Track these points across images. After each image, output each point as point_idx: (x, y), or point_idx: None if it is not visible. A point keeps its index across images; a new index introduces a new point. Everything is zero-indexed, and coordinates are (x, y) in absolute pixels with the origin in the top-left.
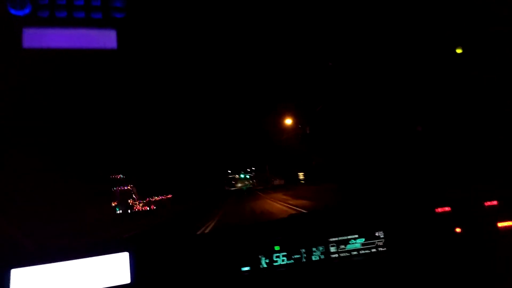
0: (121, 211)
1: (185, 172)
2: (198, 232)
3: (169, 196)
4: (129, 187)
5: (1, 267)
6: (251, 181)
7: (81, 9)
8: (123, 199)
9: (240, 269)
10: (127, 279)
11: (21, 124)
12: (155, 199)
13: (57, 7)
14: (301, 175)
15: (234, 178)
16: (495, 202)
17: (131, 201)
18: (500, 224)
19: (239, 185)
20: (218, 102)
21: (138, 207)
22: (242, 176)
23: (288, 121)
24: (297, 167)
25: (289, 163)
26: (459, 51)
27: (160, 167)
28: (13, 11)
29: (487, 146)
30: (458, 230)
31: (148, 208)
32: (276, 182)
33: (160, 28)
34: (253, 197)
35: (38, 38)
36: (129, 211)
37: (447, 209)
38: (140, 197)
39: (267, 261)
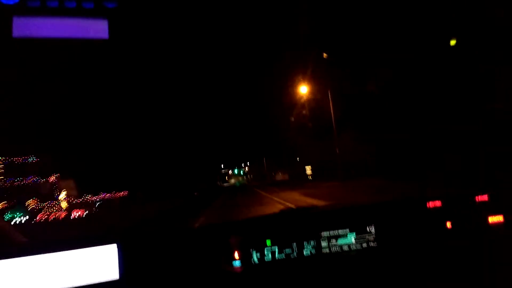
0: (22, 220)
1: (167, 164)
2: (189, 226)
3: (122, 194)
4: (50, 179)
5: None
6: (245, 177)
7: None
8: (20, 199)
9: (232, 263)
10: (115, 271)
11: None
12: (89, 200)
13: None
14: (308, 170)
15: (227, 174)
16: (485, 197)
17: (34, 202)
18: (491, 219)
19: (233, 181)
20: (208, 79)
21: (47, 214)
22: (236, 171)
23: (303, 90)
24: (304, 159)
25: (294, 154)
26: (452, 42)
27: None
28: (3, 0)
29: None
30: (448, 224)
31: (64, 215)
32: (279, 177)
33: (151, 18)
34: (252, 196)
35: (28, 27)
36: (32, 220)
37: (438, 203)
38: (79, 195)
39: (259, 255)
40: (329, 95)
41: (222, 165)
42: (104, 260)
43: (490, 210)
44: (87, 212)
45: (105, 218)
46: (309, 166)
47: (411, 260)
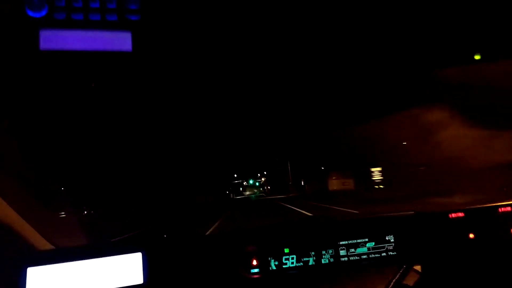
0: None
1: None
2: (207, 233)
3: None
4: None
5: (18, 265)
6: (261, 189)
7: (97, 11)
8: None
9: (250, 270)
10: (139, 279)
11: None
12: None
13: (73, 10)
14: (376, 173)
15: (241, 184)
16: (509, 208)
17: None
18: None
19: (247, 193)
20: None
21: None
22: (251, 182)
23: None
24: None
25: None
26: (477, 57)
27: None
28: (30, 13)
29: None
30: (471, 236)
31: None
32: (337, 184)
33: (175, 31)
34: None
35: (54, 39)
36: None
37: (460, 214)
38: None
39: (277, 263)
40: None
41: (235, 175)
42: (129, 267)
43: None
44: None
45: None
46: (379, 168)
47: (432, 270)
